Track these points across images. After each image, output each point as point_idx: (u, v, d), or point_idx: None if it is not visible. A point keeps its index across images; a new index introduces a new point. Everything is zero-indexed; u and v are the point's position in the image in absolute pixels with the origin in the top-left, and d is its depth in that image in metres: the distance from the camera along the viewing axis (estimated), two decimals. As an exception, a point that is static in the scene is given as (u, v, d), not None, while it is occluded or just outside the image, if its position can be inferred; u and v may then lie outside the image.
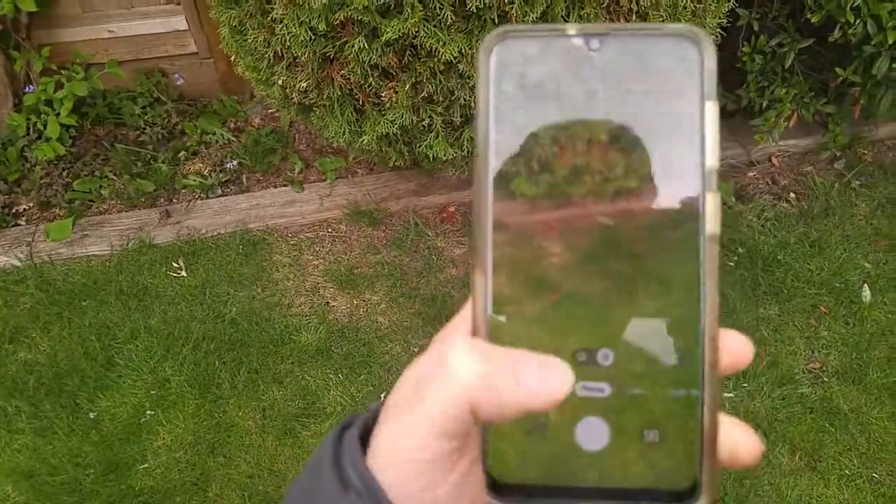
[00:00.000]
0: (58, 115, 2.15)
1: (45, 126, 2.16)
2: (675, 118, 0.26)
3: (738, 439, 0.26)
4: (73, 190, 2.24)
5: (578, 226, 0.26)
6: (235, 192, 2.29)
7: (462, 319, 0.28)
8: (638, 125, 0.26)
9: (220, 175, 2.29)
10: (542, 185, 0.26)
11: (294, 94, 1.38)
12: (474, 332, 0.26)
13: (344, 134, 1.43)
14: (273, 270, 2.09)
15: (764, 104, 2.21)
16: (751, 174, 2.37)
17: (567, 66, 0.26)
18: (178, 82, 2.46)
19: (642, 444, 0.26)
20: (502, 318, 0.26)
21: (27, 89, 2.20)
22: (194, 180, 2.28)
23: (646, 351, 0.26)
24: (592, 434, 0.26)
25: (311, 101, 1.39)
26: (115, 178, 2.32)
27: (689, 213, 0.26)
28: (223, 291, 2.02)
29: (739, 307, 1.92)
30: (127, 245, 2.12)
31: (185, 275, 2.06)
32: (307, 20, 1.18)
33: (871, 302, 1.88)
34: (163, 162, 2.34)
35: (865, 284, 1.92)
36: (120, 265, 2.09)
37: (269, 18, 1.24)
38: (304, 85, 1.33)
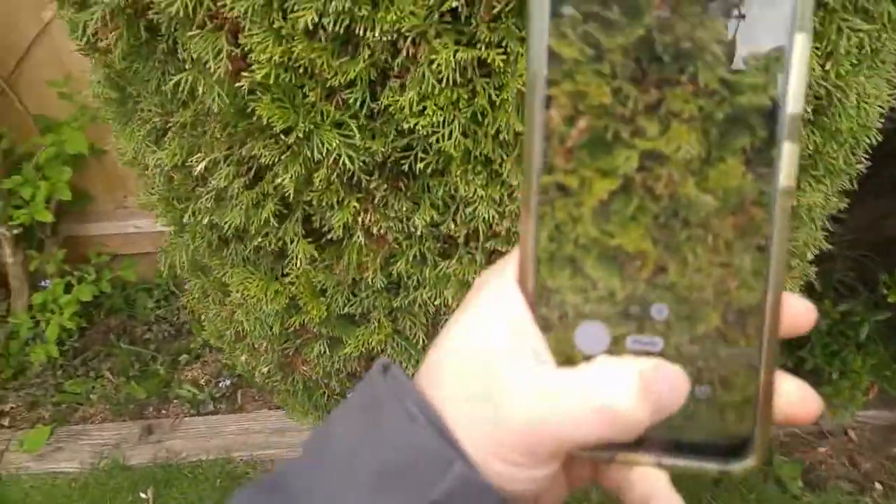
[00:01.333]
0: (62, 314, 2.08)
1: (47, 324, 2.09)
2: (756, 51, 0.22)
3: (794, 399, 0.25)
4: (63, 391, 2.12)
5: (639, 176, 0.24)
6: (227, 410, 2.10)
7: (509, 262, 0.26)
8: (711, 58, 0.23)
9: (214, 390, 2.12)
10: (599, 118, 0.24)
11: (257, 375, 1.21)
12: (521, 280, 0.25)
13: (308, 415, 1.23)
14: (245, 517, 1.82)
15: (834, 375, 1.88)
16: (822, 450, 1.98)
17: None
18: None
19: (694, 401, 0.25)
20: (551, 266, 0.25)
21: (43, 283, 2.16)
22: (188, 391, 2.12)
23: (704, 307, 0.24)
24: None
25: (275, 384, 1.21)
26: (112, 377, 2.19)
27: (763, 162, 0.23)
28: (185, 539, 1.76)
29: None
30: (98, 464, 1.94)
31: (148, 511, 1.82)
32: (262, 317, 1.02)
33: None
34: (161, 364, 2.20)
35: None
36: (85, 488, 1.89)
37: (228, 299, 1.10)
38: (266, 370, 1.16)
